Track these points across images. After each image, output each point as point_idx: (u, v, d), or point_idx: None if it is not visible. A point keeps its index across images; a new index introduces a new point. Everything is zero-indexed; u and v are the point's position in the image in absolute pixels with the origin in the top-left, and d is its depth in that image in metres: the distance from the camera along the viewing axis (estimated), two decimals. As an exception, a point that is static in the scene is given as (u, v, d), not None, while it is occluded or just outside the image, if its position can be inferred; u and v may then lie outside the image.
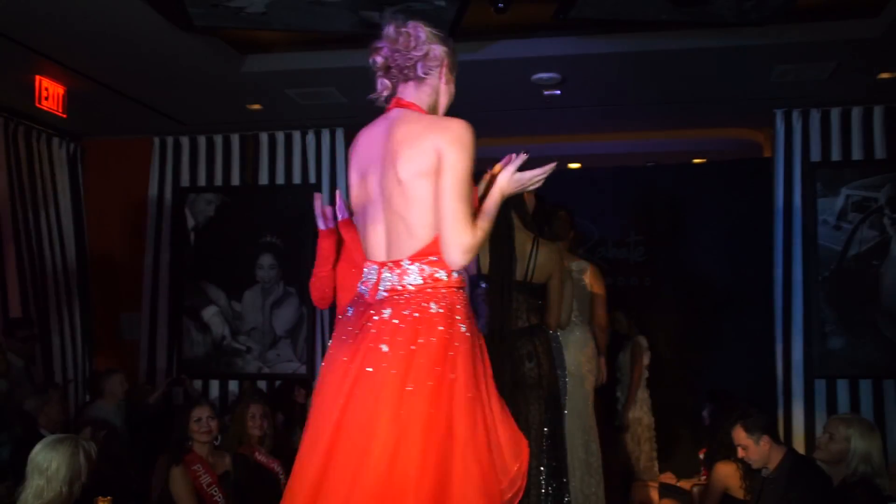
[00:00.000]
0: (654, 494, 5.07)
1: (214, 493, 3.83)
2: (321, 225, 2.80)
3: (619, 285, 6.32)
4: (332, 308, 2.99)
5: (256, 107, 5.48)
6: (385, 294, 2.05)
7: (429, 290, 2.04)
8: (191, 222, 6.12)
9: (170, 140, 6.16)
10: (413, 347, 1.97)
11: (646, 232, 6.40)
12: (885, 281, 5.28)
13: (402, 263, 2.05)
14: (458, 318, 2.04)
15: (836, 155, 5.44)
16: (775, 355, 5.46)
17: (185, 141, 6.15)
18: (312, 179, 5.91)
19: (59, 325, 5.74)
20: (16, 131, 5.43)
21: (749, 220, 6.05)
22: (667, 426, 5.55)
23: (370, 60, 2.18)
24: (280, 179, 6.00)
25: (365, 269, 2.13)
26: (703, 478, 4.57)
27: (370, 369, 1.96)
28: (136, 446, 4.91)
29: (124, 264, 6.21)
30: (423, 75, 2.14)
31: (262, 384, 5.91)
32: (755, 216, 5.97)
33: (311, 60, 4.71)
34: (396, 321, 2.00)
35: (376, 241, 2.11)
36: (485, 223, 2.08)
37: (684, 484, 5.04)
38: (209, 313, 6.03)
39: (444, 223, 2.00)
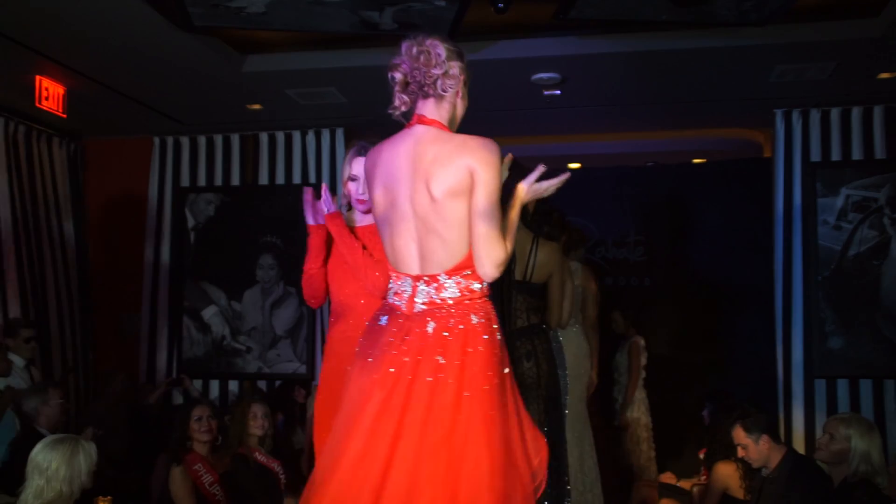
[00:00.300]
0: (654, 494, 5.07)
1: (216, 493, 3.83)
2: (310, 220, 2.82)
3: (619, 285, 6.33)
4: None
5: (256, 107, 5.48)
6: (423, 307, 2.16)
7: (466, 301, 2.17)
8: (191, 222, 6.12)
9: (170, 140, 6.16)
10: (464, 357, 2.10)
11: (646, 232, 6.41)
12: (885, 281, 5.28)
13: (438, 278, 2.17)
14: (494, 326, 2.19)
15: (836, 155, 5.44)
16: (775, 355, 5.46)
17: (185, 141, 6.15)
18: (312, 179, 5.91)
19: (58, 324, 5.74)
20: (16, 131, 5.43)
21: (749, 220, 6.05)
22: (667, 426, 5.55)
23: (389, 76, 2.24)
24: (280, 179, 6.00)
25: (396, 282, 2.23)
26: (703, 478, 4.57)
27: (430, 379, 2.07)
28: (136, 446, 4.91)
29: (124, 264, 6.21)
30: (443, 93, 2.22)
31: (261, 384, 5.91)
32: (755, 216, 5.97)
33: (311, 60, 4.71)
34: (446, 334, 2.12)
35: (408, 256, 2.19)
36: (511, 236, 2.22)
37: (684, 484, 5.03)
38: (209, 313, 6.03)
39: (478, 239, 2.12)
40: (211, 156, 6.15)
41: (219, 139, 6.12)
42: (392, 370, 2.09)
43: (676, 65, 4.72)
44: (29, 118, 5.48)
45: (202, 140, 6.14)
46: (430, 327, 2.13)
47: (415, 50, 2.19)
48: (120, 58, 4.50)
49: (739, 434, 3.56)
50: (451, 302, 2.16)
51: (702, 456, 4.71)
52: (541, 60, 4.64)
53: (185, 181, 6.15)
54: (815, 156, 5.46)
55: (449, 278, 2.17)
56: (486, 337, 2.14)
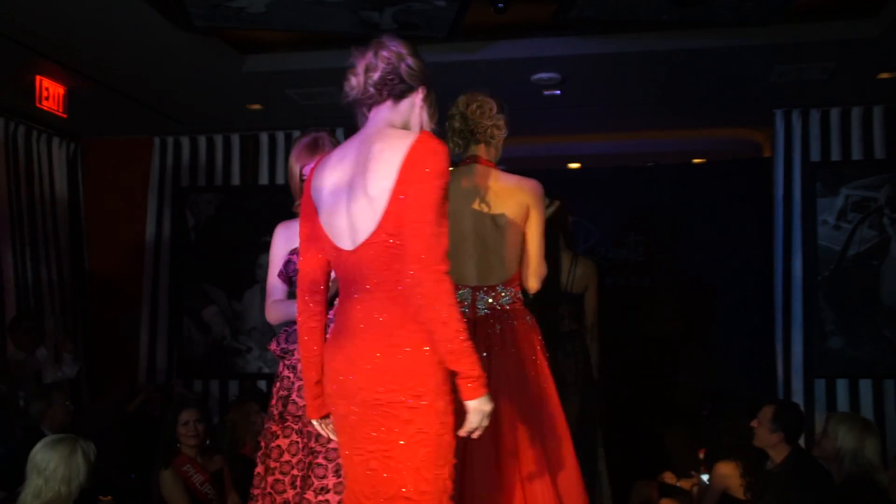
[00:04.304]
0: (654, 494, 5.07)
1: (208, 491, 3.85)
2: None
3: (620, 285, 6.31)
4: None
5: (256, 107, 5.48)
6: (486, 311, 2.67)
7: (517, 306, 2.71)
8: (191, 222, 6.12)
9: (170, 140, 6.16)
10: (537, 348, 2.68)
11: (646, 232, 6.39)
12: (885, 281, 5.28)
13: (497, 288, 2.68)
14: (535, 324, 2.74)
15: (835, 155, 5.44)
16: (775, 355, 5.46)
17: (185, 141, 6.15)
18: (312, 179, 5.90)
19: (53, 325, 5.71)
20: (16, 131, 5.43)
21: (749, 220, 6.04)
22: (667, 426, 5.54)
23: (446, 123, 2.76)
24: (280, 179, 5.99)
25: (458, 292, 2.63)
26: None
27: (518, 370, 2.61)
28: (136, 447, 4.91)
29: (124, 264, 6.20)
30: (492, 139, 2.77)
31: (262, 384, 5.90)
32: (755, 216, 5.96)
33: (311, 60, 4.71)
34: (517, 332, 2.64)
35: (467, 270, 2.67)
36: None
37: (684, 484, 5.03)
38: (209, 313, 6.03)
39: (531, 260, 2.70)
40: (211, 156, 6.15)
41: (219, 139, 6.12)
42: None
43: (676, 65, 4.72)
44: (29, 118, 5.47)
45: (202, 140, 6.13)
46: (498, 328, 2.63)
47: (472, 105, 2.74)
48: (120, 58, 4.50)
49: (767, 413, 3.59)
50: (508, 307, 2.67)
51: (702, 456, 4.71)
52: (541, 60, 4.64)
53: (185, 181, 6.15)
54: (815, 156, 5.46)
55: (505, 288, 2.68)
56: (539, 336, 2.71)
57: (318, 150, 2.78)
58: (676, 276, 6.27)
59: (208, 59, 4.58)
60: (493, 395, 2.33)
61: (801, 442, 5.19)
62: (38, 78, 4.73)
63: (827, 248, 5.37)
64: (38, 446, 3.09)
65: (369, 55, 2.08)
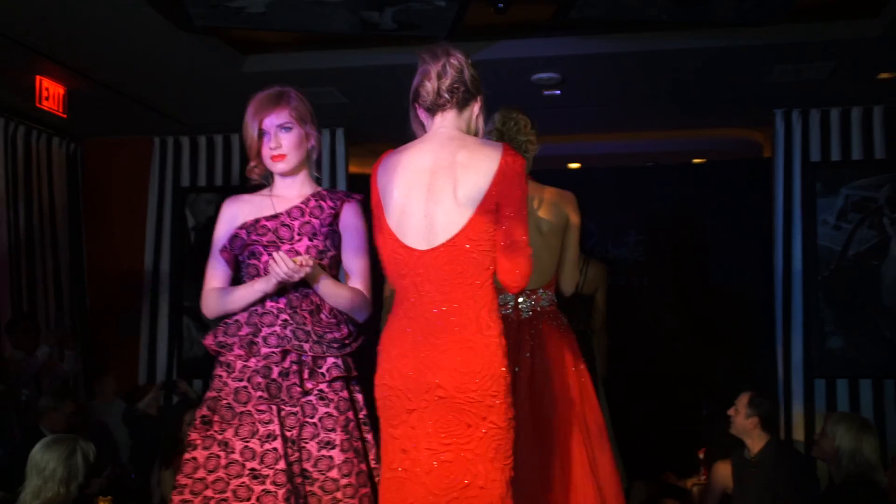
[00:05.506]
0: (654, 494, 5.07)
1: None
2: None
3: (619, 285, 6.31)
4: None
5: (256, 107, 5.46)
6: (530, 314, 2.92)
7: (554, 308, 2.97)
8: (191, 222, 6.12)
9: (170, 140, 6.16)
10: (575, 346, 2.93)
11: (646, 232, 6.40)
12: (885, 281, 5.28)
13: (538, 291, 2.94)
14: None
15: (835, 155, 5.44)
16: (775, 355, 5.46)
17: (185, 141, 6.15)
18: (312, 179, 5.91)
19: (58, 322, 5.72)
20: (16, 131, 5.43)
21: (749, 220, 6.05)
22: (667, 426, 5.54)
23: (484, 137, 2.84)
24: (280, 179, 5.99)
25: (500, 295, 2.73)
26: (703, 478, 4.57)
27: (565, 368, 2.87)
28: (136, 447, 4.91)
29: (124, 264, 6.20)
30: (527, 153, 2.88)
31: (262, 384, 5.89)
32: (755, 216, 5.97)
33: (311, 60, 4.71)
34: (556, 332, 2.90)
35: None
36: None
37: (684, 484, 5.03)
38: (209, 313, 6.01)
39: (569, 266, 2.99)
40: (211, 156, 6.15)
41: (219, 139, 6.12)
42: (517, 369, 2.62)
43: (676, 65, 4.72)
44: (29, 118, 5.47)
45: (202, 140, 6.13)
46: (541, 328, 2.86)
47: (509, 122, 2.90)
48: (120, 58, 4.50)
49: (743, 400, 3.79)
50: (549, 308, 2.94)
51: (702, 456, 4.71)
52: (541, 60, 4.64)
53: (185, 181, 6.14)
54: (815, 156, 5.46)
55: (545, 292, 2.95)
56: (574, 335, 2.97)
57: (282, 101, 2.47)
58: (676, 276, 6.28)
59: (208, 59, 4.58)
60: (538, 391, 2.72)
61: (802, 443, 5.20)
62: (38, 78, 4.72)
63: (827, 248, 5.37)
64: (38, 446, 3.09)
65: (441, 61, 2.16)
